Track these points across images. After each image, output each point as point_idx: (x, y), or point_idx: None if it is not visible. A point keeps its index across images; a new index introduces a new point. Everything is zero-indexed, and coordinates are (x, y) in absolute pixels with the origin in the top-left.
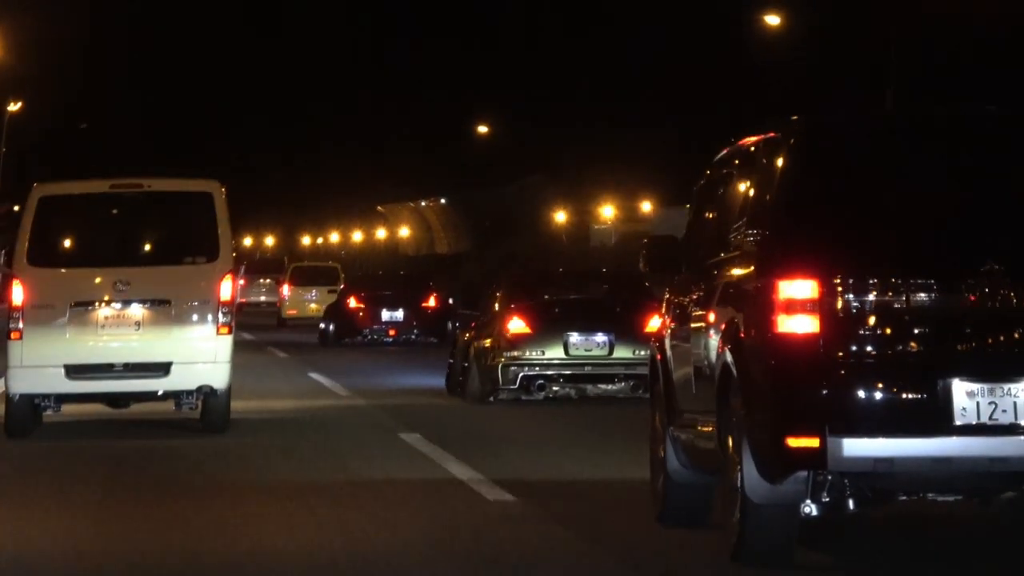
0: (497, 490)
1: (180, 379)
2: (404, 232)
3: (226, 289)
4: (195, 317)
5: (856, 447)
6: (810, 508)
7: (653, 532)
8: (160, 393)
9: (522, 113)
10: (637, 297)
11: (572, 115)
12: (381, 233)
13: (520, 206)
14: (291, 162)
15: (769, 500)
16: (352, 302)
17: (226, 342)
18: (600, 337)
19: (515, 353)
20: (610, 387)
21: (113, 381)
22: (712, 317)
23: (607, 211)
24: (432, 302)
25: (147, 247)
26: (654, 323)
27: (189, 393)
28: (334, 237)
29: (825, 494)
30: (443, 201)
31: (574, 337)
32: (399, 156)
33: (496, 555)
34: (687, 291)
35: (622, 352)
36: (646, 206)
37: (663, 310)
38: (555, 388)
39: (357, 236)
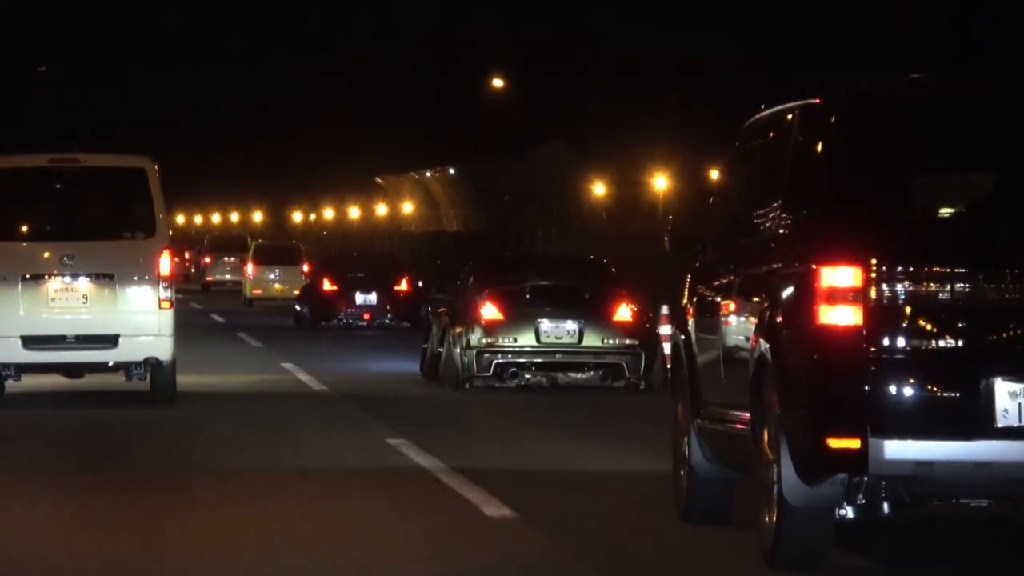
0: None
1: (127, 351)
2: (408, 208)
3: (165, 264)
4: (138, 291)
5: (897, 449)
6: (846, 511)
7: (674, 529)
8: (111, 364)
9: (544, 63)
10: (606, 285)
11: (603, 67)
12: (382, 209)
13: (545, 177)
14: (279, 129)
15: (807, 502)
16: (326, 284)
17: (168, 316)
18: (570, 324)
19: (489, 340)
20: (579, 376)
21: (66, 352)
22: (744, 305)
23: (660, 182)
24: (404, 286)
25: (87, 222)
26: (622, 312)
27: (138, 365)
28: (328, 213)
29: (860, 496)
30: (452, 172)
31: (545, 324)
32: (399, 119)
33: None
34: (714, 275)
35: (591, 340)
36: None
37: (686, 294)
38: (527, 376)
39: (354, 212)
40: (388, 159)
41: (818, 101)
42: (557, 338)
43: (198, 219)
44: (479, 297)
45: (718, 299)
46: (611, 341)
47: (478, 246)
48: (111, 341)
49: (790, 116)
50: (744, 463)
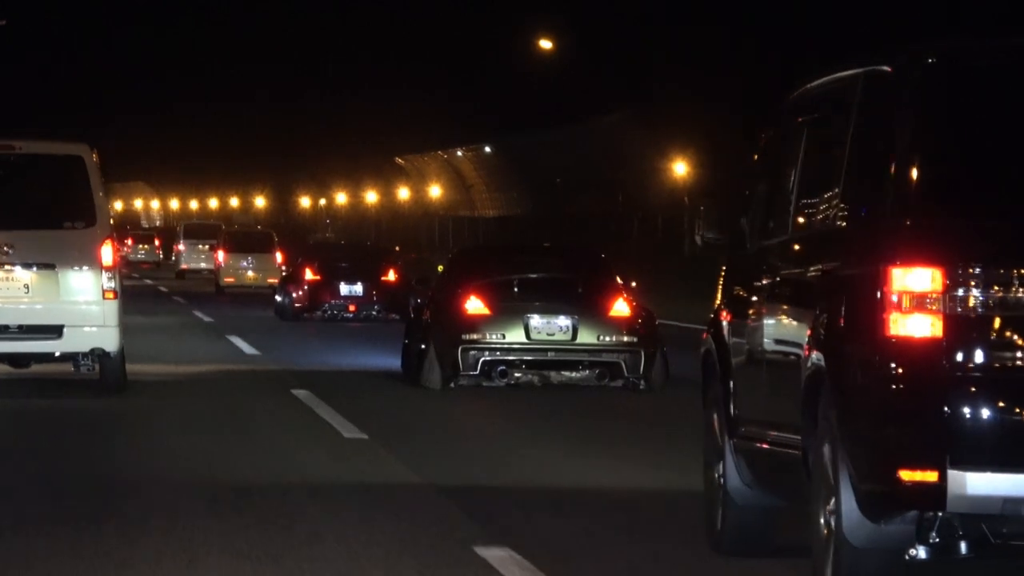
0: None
1: (72, 342)
2: (435, 192)
3: (107, 255)
4: (81, 282)
5: (982, 483)
6: (917, 551)
7: (703, 561)
8: (57, 354)
9: (603, 17)
10: (602, 277)
11: (678, 18)
12: (404, 193)
13: (605, 153)
14: (282, 101)
15: (871, 543)
16: (309, 274)
17: (113, 306)
18: (563, 320)
19: (474, 336)
20: (574, 375)
21: (10, 342)
22: (793, 309)
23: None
24: (392, 276)
25: (25, 211)
26: (619, 306)
27: (85, 355)
28: (341, 198)
29: (934, 535)
30: (487, 149)
31: (535, 320)
32: (424, 89)
33: None
34: (755, 274)
35: (586, 337)
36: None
37: (720, 294)
38: (517, 374)
39: (371, 197)
40: (410, 137)
41: (889, 68)
42: (549, 334)
43: (194, 204)
44: (463, 290)
45: (760, 302)
46: (608, 338)
47: (524, 234)
48: (55, 331)
49: (852, 86)
50: (792, 491)
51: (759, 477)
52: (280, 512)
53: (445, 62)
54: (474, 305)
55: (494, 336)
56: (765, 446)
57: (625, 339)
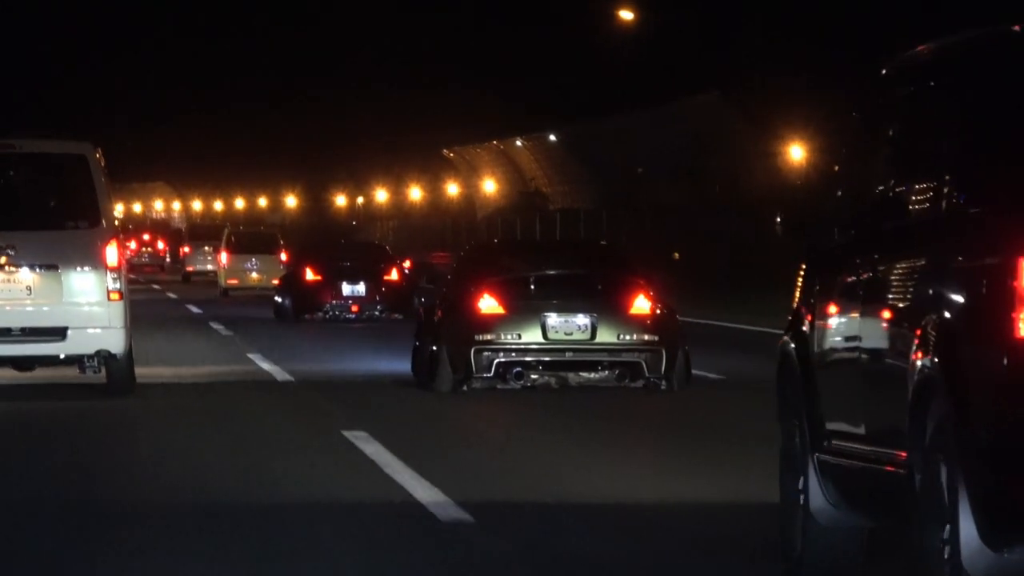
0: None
1: (77, 344)
2: (489, 187)
3: (112, 255)
4: (85, 283)
5: None
6: None
7: None
8: (62, 357)
9: None
10: (621, 273)
11: None
12: (453, 189)
13: (694, 140)
14: (317, 89)
15: (992, 572)
16: (309, 274)
17: (118, 307)
18: (581, 319)
19: (488, 336)
20: (593, 375)
21: (13, 345)
22: (896, 308)
23: None
24: (395, 275)
25: (27, 211)
26: (640, 303)
27: (90, 357)
28: (381, 195)
29: None
30: (552, 138)
31: (552, 318)
32: (475, 73)
33: None
34: (846, 268)
35: (605, 336)
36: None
37: (799, 291)
38: (534, 376)
39: (416, 193)
40: (459, 126)
41: (1018, 28)
42: (567, 334)
43: (219, 205)
44: (476, 288)
45: (851, 300)
46: (628, 336)
47: (597, 231)
48: (59, 333)
49: (966, 51)
50: (890, 512)
51: (849, 496)
52: (281, 524)
53: (497, 41)
54: (488, 304)
55: (509, 336)
56: (858, 463)
57: (646, 337)
